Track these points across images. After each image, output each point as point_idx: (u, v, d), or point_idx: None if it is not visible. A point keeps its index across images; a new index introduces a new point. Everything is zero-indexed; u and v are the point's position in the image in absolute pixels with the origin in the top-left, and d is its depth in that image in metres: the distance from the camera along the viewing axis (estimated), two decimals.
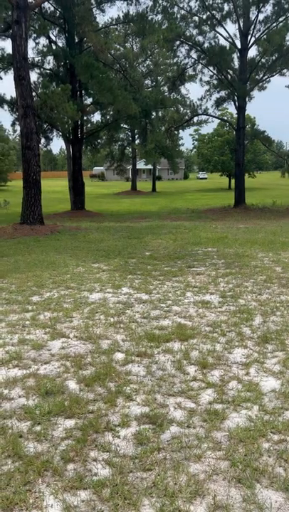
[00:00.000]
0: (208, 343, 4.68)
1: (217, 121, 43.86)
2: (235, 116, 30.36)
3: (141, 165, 65.67)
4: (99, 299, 6.44)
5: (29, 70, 16.97)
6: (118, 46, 28.40)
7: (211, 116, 27.73)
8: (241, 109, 25.30)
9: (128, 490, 2.48)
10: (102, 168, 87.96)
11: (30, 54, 23.57)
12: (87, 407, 3.39)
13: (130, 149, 46.74)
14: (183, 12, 23.96)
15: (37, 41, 23.76)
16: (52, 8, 23.42)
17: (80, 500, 2.43)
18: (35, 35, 22.97)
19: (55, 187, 48.68)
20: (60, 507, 2.39)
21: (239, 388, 3.67)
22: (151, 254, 10.18)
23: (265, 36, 23.13)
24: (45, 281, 7.55)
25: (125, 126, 33.40)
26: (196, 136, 60.12)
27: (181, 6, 23.82)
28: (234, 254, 10.02)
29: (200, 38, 24.44)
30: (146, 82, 35.48)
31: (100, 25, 23.83)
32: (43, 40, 27.84)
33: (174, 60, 26.50)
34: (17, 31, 15.44)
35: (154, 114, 27.51)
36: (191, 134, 61.66)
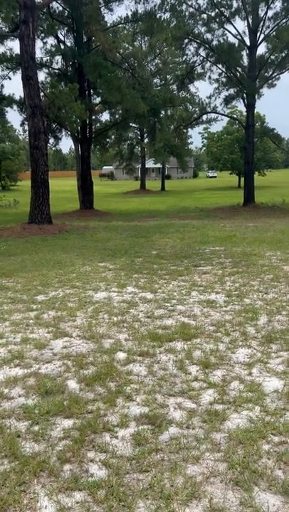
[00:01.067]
0: (212, 342, 4.63)
1: (226, 119, 43.70)
2: (244, 114, 30.08)
3: (150, 164, 65.61)
4: (103, 298, 6.42)
5: (37, 70, 17.02)
6: (126, 45, 28.31)
7: (220, 114, 27.64)
8: (250, 106, 25.11)
9: (123, 492, 2.45)
10: (111, 167, 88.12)
11: (39, 54, 23.66)
12: (86, 407, 3.37)
13: (139, 148, 46.67)
14: (191, 10, 23.85)
15: (45, 41, 23.90)
16: (60, 8, 23.49)
17: (75, 501, 2.40)
18: (43, 35, 23.04)
19: (64, 186, 48.76)
20: (54, 508, 2.36)
21: (241, 388, 3.62)
22: (158, 253, 10.13)
23: (274, 33, 22.92)
24: (51, 281, 7.55)
25: (134, 125, 33.41)
26: (205, 135, 59.55)
27: (190, 3, 23.70)
28: (242, 253, 9.93)
29: (208, 36, 24.34)
30: (154, 80, 35.35)
31: (108, 24, 23.81)
32: (51, 40, 27.94)
33: (183, 58, 26.42)
34: (24, 31, 15.48)
35: (162, 112, 27.44)
36: (200, 133, 61.11)
